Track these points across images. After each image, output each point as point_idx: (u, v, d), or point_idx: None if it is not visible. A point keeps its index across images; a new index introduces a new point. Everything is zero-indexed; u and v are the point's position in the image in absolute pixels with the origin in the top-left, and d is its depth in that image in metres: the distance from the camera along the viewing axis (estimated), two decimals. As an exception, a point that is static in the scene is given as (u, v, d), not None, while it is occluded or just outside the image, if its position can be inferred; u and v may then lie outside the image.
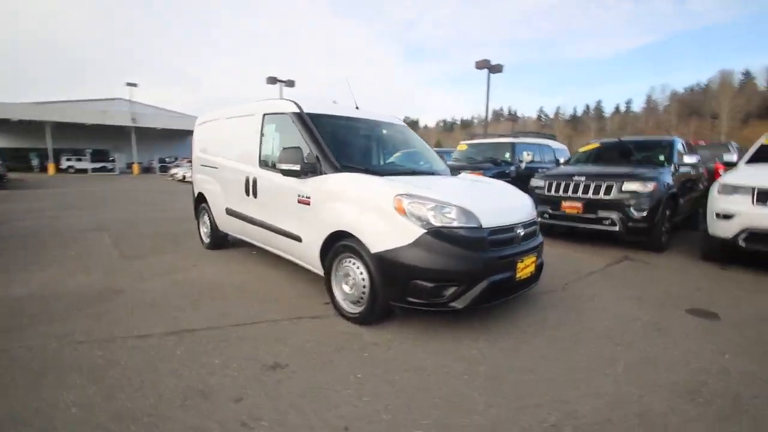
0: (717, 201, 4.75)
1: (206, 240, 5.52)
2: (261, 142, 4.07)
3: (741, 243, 4.44)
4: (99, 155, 36.04)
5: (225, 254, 5.18)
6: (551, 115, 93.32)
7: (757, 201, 4.34)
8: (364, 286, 2.91)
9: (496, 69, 19.18)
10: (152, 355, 2.53)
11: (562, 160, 7.79)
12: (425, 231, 2.64)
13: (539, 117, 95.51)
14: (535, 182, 6.43)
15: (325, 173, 3.26)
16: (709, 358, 2.60)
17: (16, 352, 2.54)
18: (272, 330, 2.92)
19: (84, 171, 34.34)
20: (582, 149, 7.66)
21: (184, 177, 22.58)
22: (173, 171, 25.19)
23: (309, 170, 3.31)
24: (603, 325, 3.08)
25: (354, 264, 2.98)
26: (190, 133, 6.37)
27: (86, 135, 34.70)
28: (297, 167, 3.29)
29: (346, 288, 3.08)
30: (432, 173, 3.87)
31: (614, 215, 5.53)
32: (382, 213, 2.79)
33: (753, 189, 4.39)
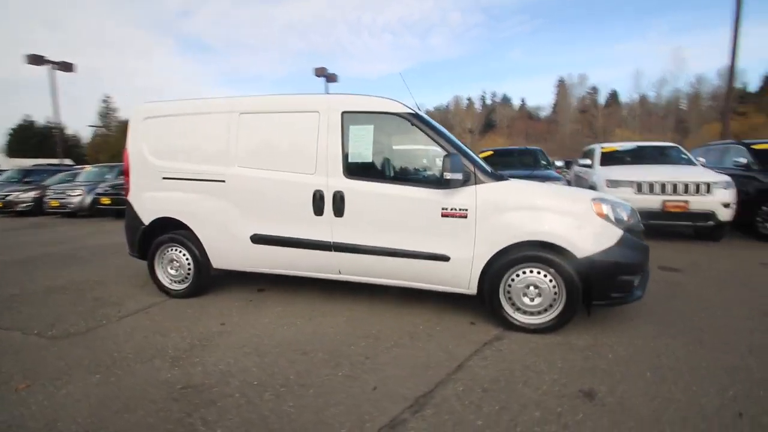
0: (609, 192, 6.73)
1: (177, 286, 3.83)
2: (345, 146, 3.23)
3: (629, 220, 6.48)
4: None
5: (228, 300, 3.75)
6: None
7: (637, 191, 6.43)
8: (555, 293, 2.89)
9: (332, 78, 19.83)
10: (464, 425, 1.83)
11: None
12: (623, 230, 2.89)
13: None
14: None
15: (483, 182, 2.99)
16: (726, 294, 3.86)
17: None
18: (500, 364, 2.52)
19: None
20: (481, 155, 9.13)
21: None
22: None
23: (467, 179, 2.96)
24: (653, 289, 4.04)
25: (540, 273, 2.90)
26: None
27: None
28: (459, 176, 2.89)
29: (526, 300, 2.95)
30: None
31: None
32: (584, 218, 2.86)
33: (632, 182, 6.48)
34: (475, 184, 3.00)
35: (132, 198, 3.92)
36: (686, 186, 6.11)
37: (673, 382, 2.30)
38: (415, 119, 3.14)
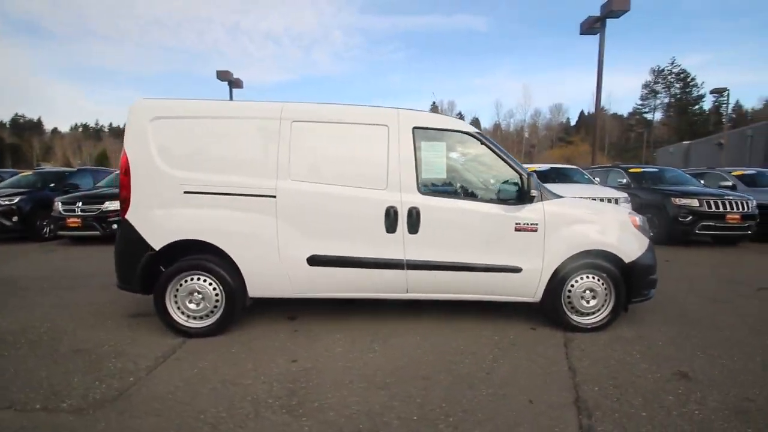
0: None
1: (198, 323, 3.16)
2: (419, 162, 3.17)
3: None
4: None
5: (264, 334, 3.26)
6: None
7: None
8: (606, 295, 3.35)
9: (236, 84, 18.39)
10: (647, 431, 2.02)
11: None
12: (648, 237, 3.51)
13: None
14: None
15: (548, 198, 3.30)
16: (673, 286, 4.95)
17: None
18: (600, 362, 2.81)
19: None
20: None
21: None
22: None
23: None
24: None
25: (595, 278, 3.33)
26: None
27: None
28: (537, 193, 3.13)
29: (584, 302, 3.34)
30: None
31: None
32: (625, 229, 3.38)
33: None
34: (542, 200, 3.29)
35: (133, 216, 3.10)
36: (602, 200, 7.56)
37: (720, 357, 2.90)
38: (485, 139, 3.30)
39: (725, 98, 24.76)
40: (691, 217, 7.56)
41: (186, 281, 3.14)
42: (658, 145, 45.01)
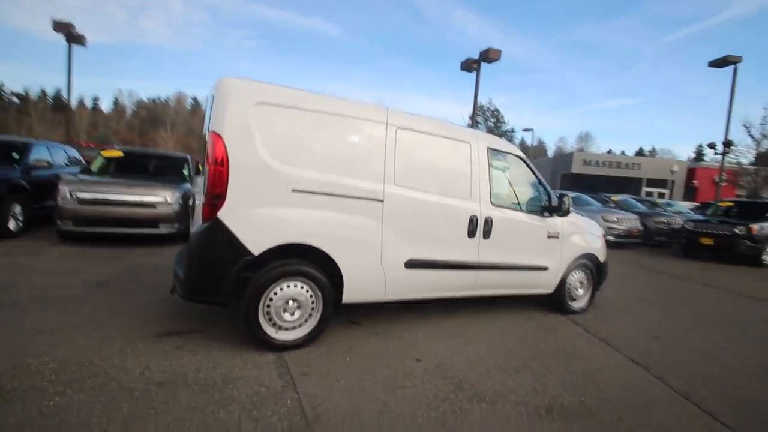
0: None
1: (291, 335, 2.87)
2: (491, 178, 3.64)
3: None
4: None
5: (345, 341, 3.19)
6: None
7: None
8: (589, 286, 4.52)
9: (77, 40, 14.46)
10: None
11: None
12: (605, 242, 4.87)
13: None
14: None
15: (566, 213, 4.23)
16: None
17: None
18: (614, 331, 3.84)
19: None
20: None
21: None
22: None
23: (558, 210, 4.12)
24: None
25: (584, 273, 4.45)
26: None
27: None
28: (568, 208, 4.02)
29: (580, 291, 4.42)
30: None
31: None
32: (599, 237, 4.61)
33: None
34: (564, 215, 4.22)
35: (229, 216, 2.60)
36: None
37: (657, 325, 4.35)
38: (529, 162, 4.03)
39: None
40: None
41: (282, 289, 2.82)
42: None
